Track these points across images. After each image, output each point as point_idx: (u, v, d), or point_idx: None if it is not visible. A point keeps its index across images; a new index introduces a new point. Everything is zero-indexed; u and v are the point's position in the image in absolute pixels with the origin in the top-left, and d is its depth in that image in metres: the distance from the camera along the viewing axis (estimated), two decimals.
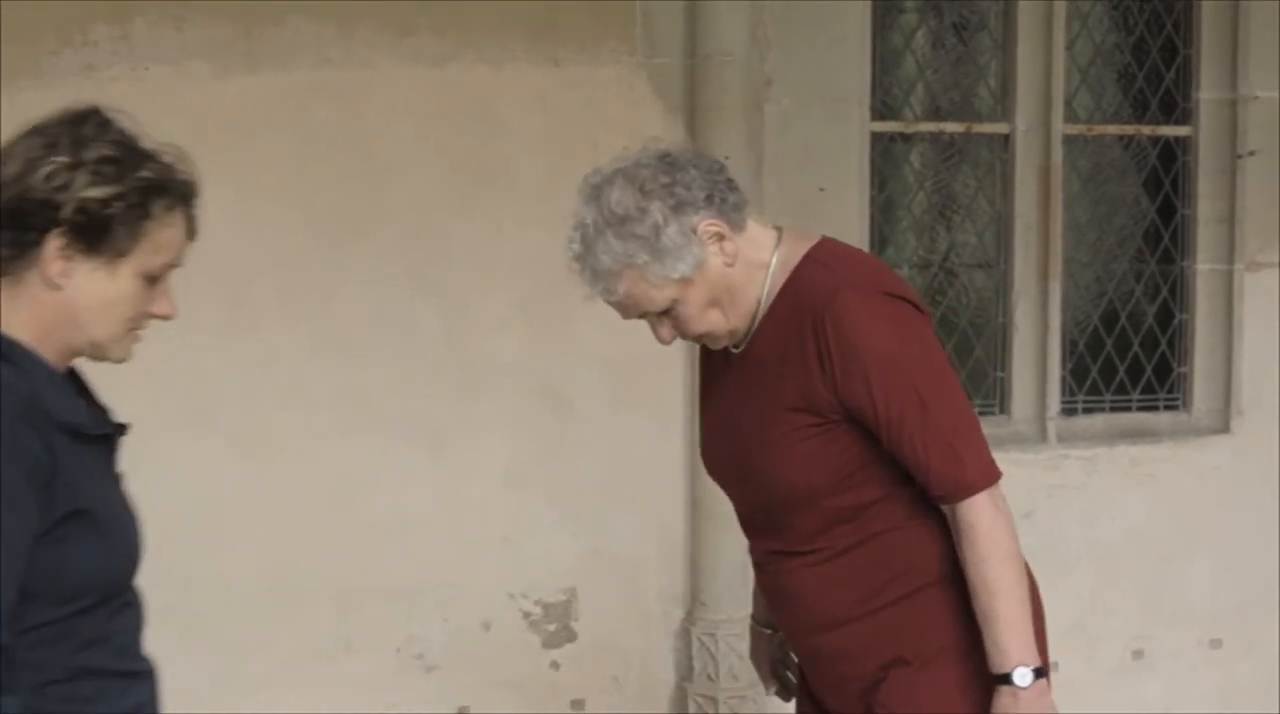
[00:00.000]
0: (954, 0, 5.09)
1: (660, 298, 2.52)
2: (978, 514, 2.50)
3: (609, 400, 4.56)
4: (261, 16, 4.15)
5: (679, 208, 2.48)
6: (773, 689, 3.02)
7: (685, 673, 4.66)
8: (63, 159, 2.02)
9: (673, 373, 4.59)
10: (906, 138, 5.08)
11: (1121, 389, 5.31)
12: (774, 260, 2.57)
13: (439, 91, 4.33)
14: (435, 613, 4.46)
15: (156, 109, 4.08)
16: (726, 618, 4.55)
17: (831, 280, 2.51)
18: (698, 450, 4.50)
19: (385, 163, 3.92)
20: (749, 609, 4.39)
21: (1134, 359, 5.32)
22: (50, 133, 2.06)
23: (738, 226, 2.55)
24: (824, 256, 2.58)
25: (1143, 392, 5.33)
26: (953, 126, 5.08)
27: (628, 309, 2.57)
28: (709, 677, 4.60)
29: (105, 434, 2.15)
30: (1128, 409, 5.30)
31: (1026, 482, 4.99)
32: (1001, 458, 5.07)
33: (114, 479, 2.16)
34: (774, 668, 2.99)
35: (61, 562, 2.00)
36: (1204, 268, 5.30)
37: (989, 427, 4.99)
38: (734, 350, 2.63)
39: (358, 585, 4.28)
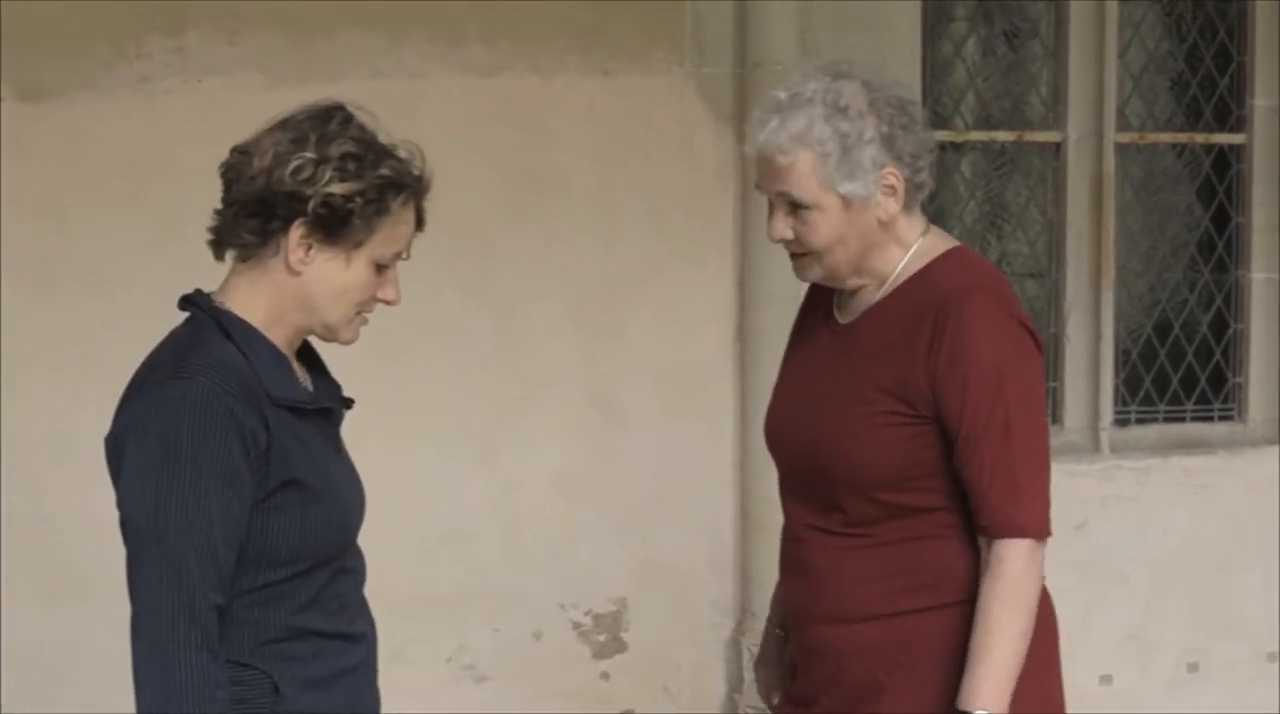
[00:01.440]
0: (1005, 8, 5.07)
1: (811, 193, 2.48)
2: (1014, 558, 2.46)
3: (660, 410, 4.56)
4: (313, 28, 4.18)
5: (887, 142, 2.47)
6: (776, 698, 2.89)
7: (735, 684, 4.65)
8: (309, 155, 2.15)
9: (723, 382, 4.59)
10: (957, 146, 5.06)
11: (1175, 399, 5.27)
12: (915, 247, 2.56)
13: (489, 101, 4.34)
14: (486, 623, 4.47)
15: (209, 121, 4.16)
16: None
17: (969, 282, 2.50)
18: (748, 461, 4.56)
19: (436, 172, 3.92)
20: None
21: (1188, 369, 5.28)
22: (297, 128, 2.18)
23: (911, 201, 2.55)
24: (967, 259, 2.58)
25: (1197, 402, 5.29)
26: (1004, 135, 5.06)
27: (774, 179, 2.51)
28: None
29: (325, 408, 2.27)
30: (1182, 420, 5.26)
31: (1080, 493, 4.96)
32: (1055, 468, 5.04)
33: (333, 451, 2.28)
34: (783, 675, 2.86)
35: (277, 528, 2.13)
36: (1259, 276, 5.26)
37: None
38: (839, 319, 2.62)
39: (409, 595, 4.29)
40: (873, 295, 2.57)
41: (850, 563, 2.54)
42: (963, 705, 2.43)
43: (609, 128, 4.46)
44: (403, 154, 2.22)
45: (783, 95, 2.49)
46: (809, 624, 2.62)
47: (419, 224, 2.26)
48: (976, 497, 2.46)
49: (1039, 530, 2.48)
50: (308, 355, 2.33)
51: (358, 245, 2.18)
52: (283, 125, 2.20)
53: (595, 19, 4.42)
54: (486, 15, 4.33)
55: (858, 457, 2.49)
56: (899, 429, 2.47)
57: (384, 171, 2.17)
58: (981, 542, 2.48)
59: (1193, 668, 5.14)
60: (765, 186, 2.54)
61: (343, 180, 2.14)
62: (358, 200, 2.15)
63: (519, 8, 4.34)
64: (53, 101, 4.01)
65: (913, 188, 2.53)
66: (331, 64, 4.14)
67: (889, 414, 2.47)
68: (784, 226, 2.53)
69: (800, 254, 2.56)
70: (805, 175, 2.47)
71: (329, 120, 2.19)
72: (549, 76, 4.41)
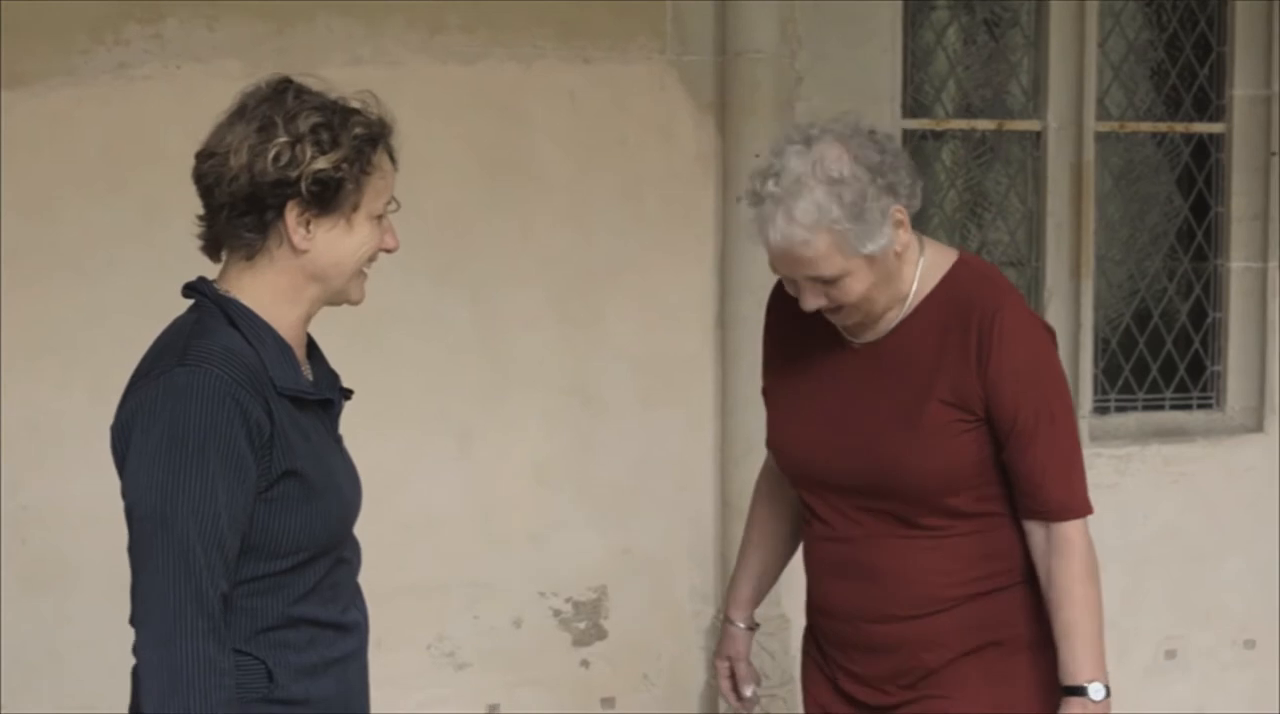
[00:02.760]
0: None
1: (838, 266, 2.52)
2: (1079, 535, 2.63)
3: (639, 398, 4.56)
4: (292, 15, 4.17)
5: (885, 188, 2.51)
6: (747, 691, 3.02)
7: (715, 671, 4.65)
8: (283, 138, 2.15)
9: (703, 371, 4.59)
10: (938, 135, 5.06)
11: (1154, 388, 5.29)
12: (922, 261, 2.63)
13: (469, 89, 4.34)
14: (466, 610, 4.47)
15: (188, 108, 4.12)
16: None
17: (998, 292, 2.61)
18: (728, 448, 4.56)
19: (415, 160, 3.89)
20: (781, 608, 4.40)
21: (1167, 357, 5.30)
22: (256, 115, 2.18)
23: (911, 222, 2.61)
24: (982, 269, 2.68)
25: (1176, 390, 5.30)
26: (984, 124, 5.07)
27: (798, 266, 2.53)
28: None
29: (326, 399, 2.28)
30: (1161, 408, 5.28)
31: None
32: None
33: (332, 442, 2.29)
34: (747, 670, 3.02)
35: (276, 519, 2.14)
36: (1238, 266, 5.27)
37: None
38: (856, 339, 2.66)
39: (388, 583, 4.27)
40: (895, 314, 2.63)
41: (919, 560, 2.64)
42: (1072, 681, 2.58)
43: (589, 116, 4.46)
44: (360, 105, 2.23)
45: (773, 186, 2.49)
46: (873, 622, 2.68)
47: (394, 164, 2.27)
48: (1032, 485, 2.60)
49: (1088, 508, 2.67)
50: (308, 345, 2.33)
51: (355, 208, 2.20)
52: (240, 115, 2.19)
53: (575, 7, 4.41)
54: (466, 3, 4.32)
55: (933, 470, 2.58)
56: (967, 435, 2.58)
57: (356, 131, 2.18)
58: (1035, 526, 2.63)
59: (1170, 655, 5.17)
60: (789, 273, 2.57)
61: (324, 153, 2.15)
62: (344, 167, 2.16)
63: None
64: (30, 89, 3.99)
65: (912, 211, 2.59)
66: (310, 51, 4.12)
67: (955, 423, 2.57)
68: (816, 298, 2.57)
69: (834, 311, 2.60)
70: (829, 255, 2.51)
71: (284, 97, 2.19)
72: (528, 64, 4.40)
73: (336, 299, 2.27)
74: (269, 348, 2.17)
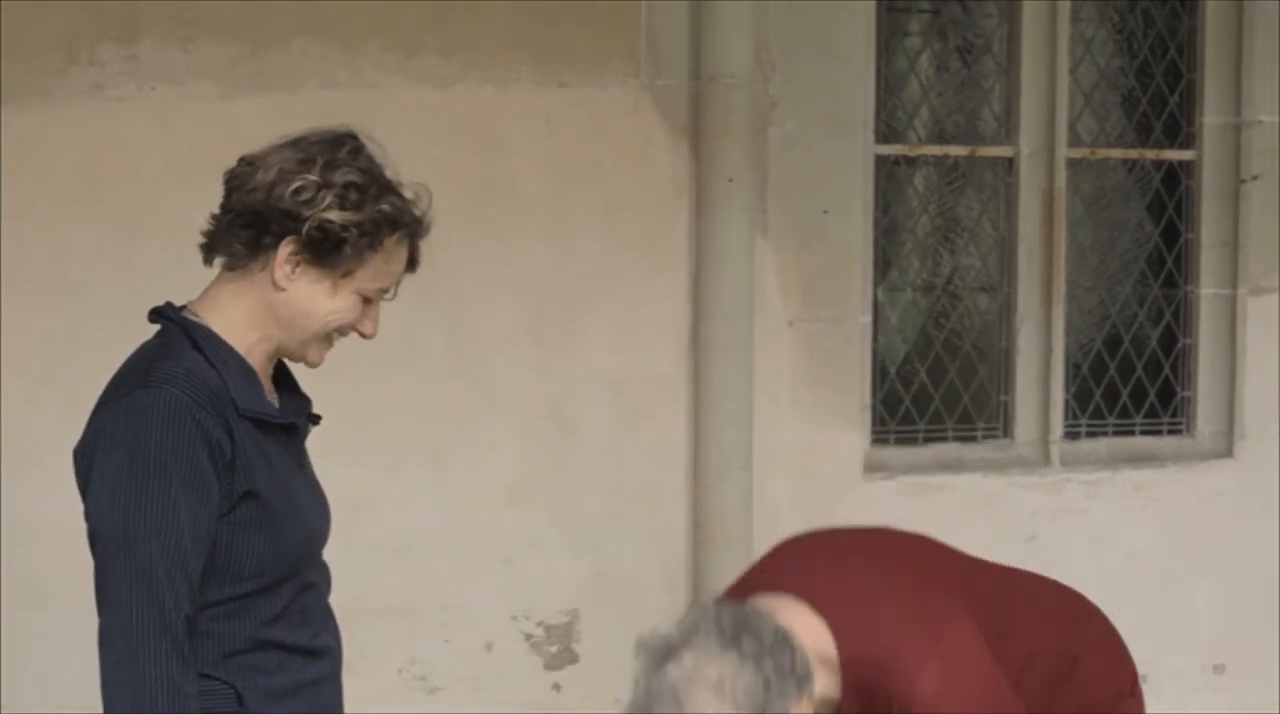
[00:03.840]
0: (958, 24, 5.11)
1: None
2: None
3: (613, 420, 4.56)
4: (268, 38, 4.17)
5: (800, 685, 2.27)
6: None
7: None
8: (313, 178, 2.16)
9: (677, 393, 4.59)
10: (910, 160, 5.09)
11: (1125, 413, 5.31)
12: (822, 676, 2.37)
13: (445, 112, 4.34)
14: (437, 634, 4.46)
15: (163, 129, 4.14)
16: None
17: (906, 677, 2.38)
18: (702, 472, 4.56)
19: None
20: None
21: (1137, 383, 5.32)
22: (307, 149, 2.20)
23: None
24: (874, 654, 2.39)
25: (1146, 416, 5.33)
26: (957, 150, 5.09)
27: None
28: None
29: (291, 424, 2.28)
30: (1131, 433, 5.30)
31: (1029, 505, 4.99)
32: (1005, 481, 5.10)
33: (296, 467, 2.28)
34: None
35: (238, 540, 2.14)
36: (1207, 292, 5.30)
37: (992, 451, 5.08)
38: None
39: (359, 606, 4.23)
40: None
41: None
42: None
43: (564, 139, 4.47)
44: (408, 194, 2.25)
45: None
46: None
47: (412, 264, 2.29)
48: None
49: None
50: (277, 370, 2.33)
51: (346, 274, 2.20)
52: (294, 144, 2.21)
53: (550, 31, 4.42)
54: (442, 27, 4.33)
55: None
56: None
57: (384, 207, 2.19)
58: None
59: (1141, 679, 5.16)
60: None
61: (341, 209, 2.16)
62: (352, 231, 2.17)
63: (474, 20, 4.34)
64: (4, 108, 3.98)
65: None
66: (286, 74, 4.13)
67: None
68: None
69: None
70: None
71: (340, 147, 2.21)
72: (504, 88, 4.41)
73: (294, 353, 2.27)
74: (232, 370, 2.17)
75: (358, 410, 4.15)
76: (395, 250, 2.23)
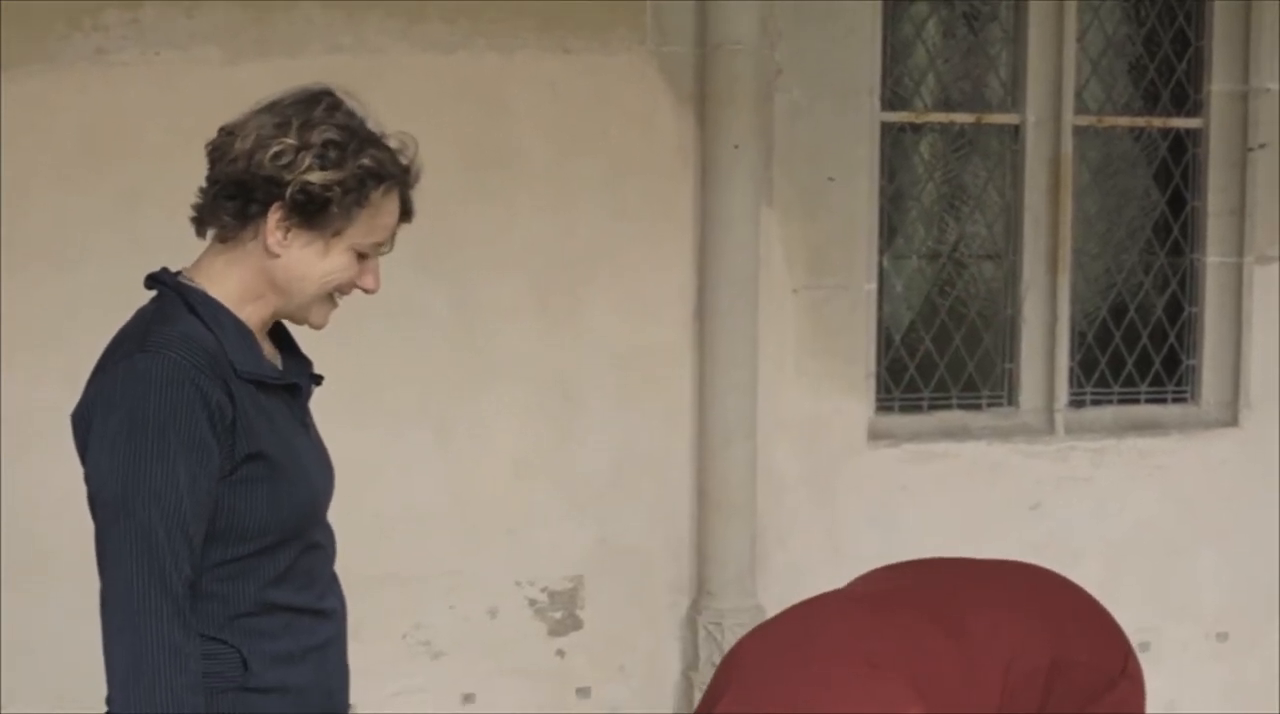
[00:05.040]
0: None
1: None
2: None
3: (618, 390, 4.56)
4: (272, 3, 4.15)
5: None
6: None
7: (691, 662, 4.66)
8: (290, 141, 2.15)
9: (682, 364, 4.59)
10: (916, 128, 5.07)
11: (1130, 381, 5.30)
12: None
13: (449, 78, 4.33)
14: (442, 600, 4.47)
15: (167, 94, 4.12)
16: (733, 607, 4.55)
17: None
18: (706, 440, 4.56)
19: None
20: (755, 599, 4.41)
21: (1142, 351, 5.32)
22: (283, 111, 2.18)
23: None
24: None
25: (1151, 384, 5.32)
26: (963, 117, 5.07)
27: None
28: (714, 665, 4.60)
29: (293, 384, 2.27)
30: (1136, 401, 5.30)
31: (1034, 473, 4.99)
32: (1009, 449, 5.09)
33: (300, 426, 2.28)
34: None
35: (243, 502, 2.13)
36: (1213, 260, 5.29)
37: (997, 418, 5.08)
38: None
39: (365, 572, 4.25)
40: None
41: None
42: None
43: (569, 106, 4.45)
44: (393, 144, 2.22)
45: None
46: None
47: (406, 215, 2.26)
48: None
49: None
50: (278, 332, 2.33)
51: (336, 233, 2.18)
52: (270, 108, 2.20)
53: None
54: None
55: None
56: None
57: (365, 161, 2.17)
58: None
59: (1144, 647, 5.18)
60: None
61: (322, 169, 2.14)
62: (336, 189, 2.15)
63: None
64: (8, 74, 3.97)
65: None
66: (290, 39, 4.12)
67: None
68: None
69: None
70: None
71: (315, 105, 2.19)
72: (509, 54, 4.39)
73: (296, 316, 2.26)
74: (229, 333, 2.17)
75: (362, 379, 4.15)
76: (383, 203, 2.21)
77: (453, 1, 4.31)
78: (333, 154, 2.15)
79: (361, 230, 2.20)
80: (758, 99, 4.55)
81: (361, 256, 2.22)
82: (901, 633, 2.63)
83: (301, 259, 2.19)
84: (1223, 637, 5.26)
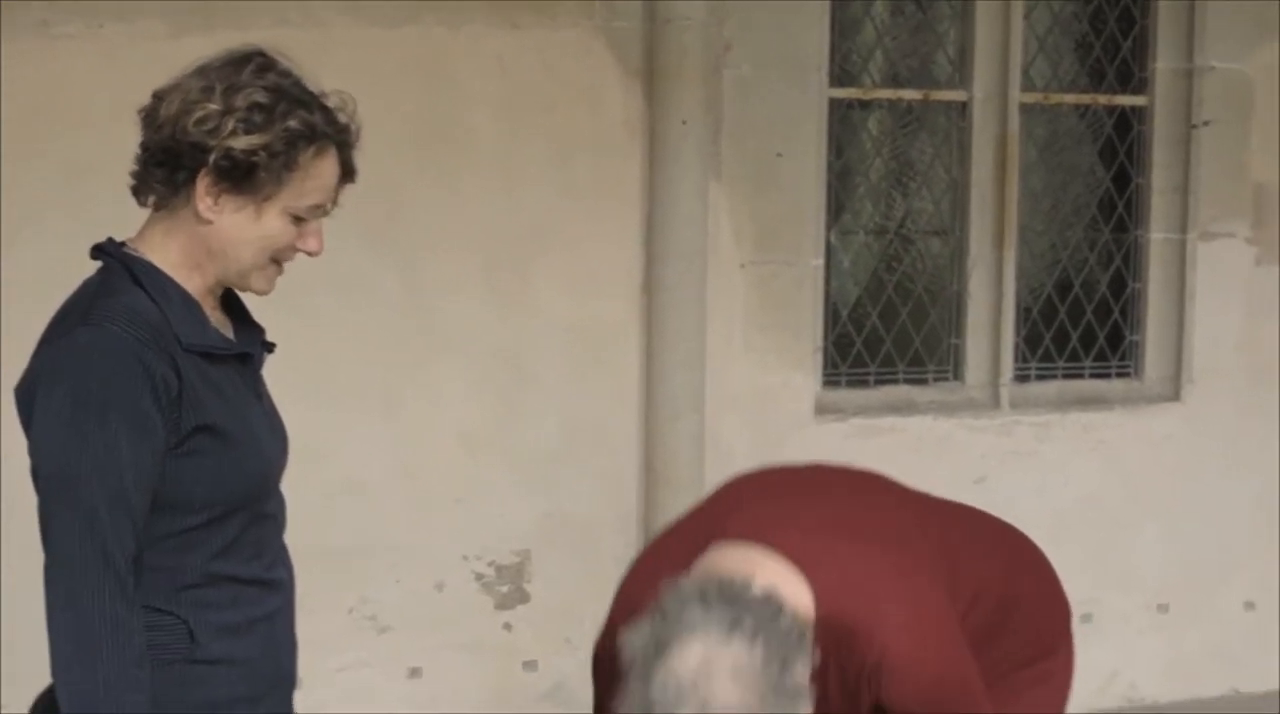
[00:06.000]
0: None
1: None
2: None
3: (566, 364, 4.57)
4: None
5: (802, 648, 2.20)
6: None
7: None
8: (214, 106, 2.11)
9: (630, 338, 4.60)
10: (864, 104, 5.09)
11: (1074, 356, 5.35)
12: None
13: (396, 53, 4.31)
14: (388, 574, 4.47)
15: (111, 67, 4.09)
16: None
17: (871, 641, 2.35)
18: (653, 414, 4.57)
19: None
20: None
21: (1087, 327, 5.36)
22: (210, 75, 2.15)
23: None
24: (847, 619, 2.34)
25: (1095, 359, 5.37)
26: (910, 94, 5.09)
27: None
28: None
29: (244, 354, 2.25)
30: (1080, 376, 5.34)
31: (979, 447, 5.03)
32: (955, 424, 5.13)
33: (252, 396, 2.26)
34: None
35: (190, 474, 2.12)
36: (1157, 237, 5.34)
37: (943, 393, 5.11)
38: None
39: (310, 546, 4.22)
40: None
41: None
42: None
43: (517, 81, 4.44)
44: (332, 102, 2.19)
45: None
46: None
47: (348, 176, 2.22)
48: None
49: None
50: (230, 300, 2.30)
51: (267, 198, 2.15)
52: (199, 72, 2.17)
53: None
54: None
55: None
56: None
57: (291, 123, 2.13)
58: None
59: (1087, 618, 5.24)
60: None
61: (247, 133, 2.11)
62: (262, 154, 2.11)
63: None
64: None
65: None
66: (236, 12, 4.08)
67: None
68: None
69: None
70: None
71: (243, 67, 2.16)
72: (456, 29, 4.38)
73: (238, 283, 2.23)
74: (174, 305, 2.15)
75: (311, 353, 4.14)
76: (315, 165, 2.16)
77: None
78: (258, 118, 2.11)
79: (294, 193, 2.16)
80: (706, 74, 4.55)
81: (299, 219, 2.18)
82: (899, 508, 2.62)
83: (234, 224, 2.16)
84: (1164, 608, 5.31)
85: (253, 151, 2.11)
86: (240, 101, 2.12)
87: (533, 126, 4.49)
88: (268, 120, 2.12)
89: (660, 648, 2.15)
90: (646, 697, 2.14)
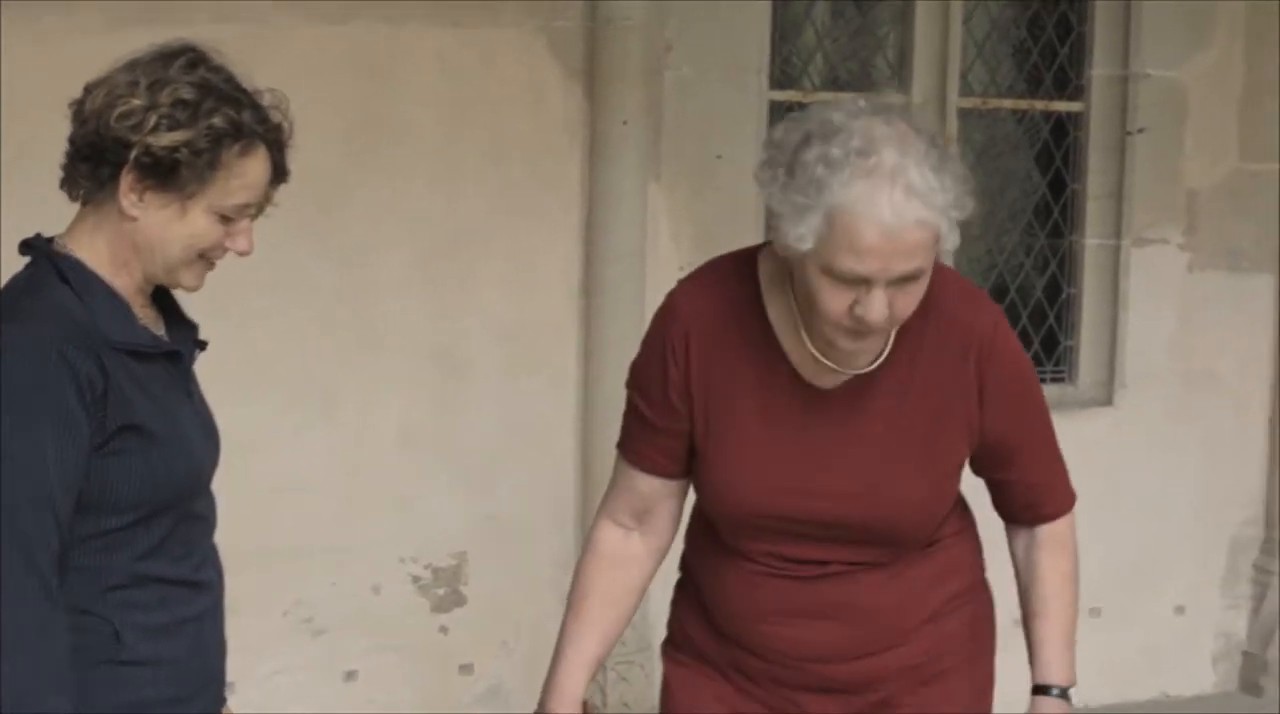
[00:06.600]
0: None
1: (927, 260, 2.16)
2: (1070, 528, 2.57)
3: (504, 363, 4.56)
4: None
5: (959, 178, 2.19)
6: None
7: None
8: (138, 101, 2.08)
9: (568, 337, 4.59)
10: (804, 107, 5.07)
11: None
12: None
13: (338, 50, 4.29)
14: (324, 576, 4.44)
15: (48, 59, 4.03)
16: None
17: (983, 311, 2.40)
18: (591, 416, 4.56)
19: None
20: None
21: (1022, 331, 5.39)
22: (138, 69, 2.12)
23: None
24: (962, 284, 2.45)
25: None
26: (850, 97, 5.09)
27: (900, 258, 2.12)
28: None
29: (173, 352, 2.21)
30: None
31: None
32: None
33: (182, 395, 2.23)
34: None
35: (117, 474, 2.09)
36: (1093, 242, 5.38)
37: None
38: (825, 371, 2.34)
39: (245, 547, 4.19)
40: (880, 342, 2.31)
41: (890, 594, 2.45)
42: (1056, 681, 2.54)
43: (458, 80, 4.43)
44: (264, 100, 2.16)
45: (866, 153, 2.09)
46: (838, 661, 2.46)
47: (280, 176, 2.19)
48: (1037, 491, 2.53)
49: (1075, 496, 2.62)
50: (162, 297, 2.27)
51: (191, 196, 2.11)
52: (129, 66, 2.14)
53: None
54: None
55: (939, 510, 2.45)
56: (961, 467, 2.46)
57: (215, 120, 2.09)
58: (1024, 531, 2.58)
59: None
60: (873, 265, 2.12)
61: (170, 129, 2.07)
62: (184, 150, 2.08)
63: None
64: None
65: None
66: (176, 7, 4.04)
67: (958, 457, 2.44)
68: (884, 306, 2.16)
69: (867, 334, 2.23)
70: (928, 245, 2.14)
71: (171, 63, 2.13)
72: (398, 26, 4.36)
73: (166, 280, 2.20)
74: (100, 302, 2.12)
75: (247, 350, 4.11)
76: (241, 164, 2.12)
77: None
78: (181, 114, 2.08)
79: (219, 192, 2.12)
80: (647, 75, 4.55)
81: (226, 218, 2.15)
82: None
83: (159, 222, 2.12)
84: (1095, 612, 5.34)
85: (175, 148, 2.08)
86: (165, 97, 2.09)
87: (473, 125, 4.47)
88: (192, 117, 2.09)
89: (823, 126, 2.16)
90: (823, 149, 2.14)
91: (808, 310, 2.27)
